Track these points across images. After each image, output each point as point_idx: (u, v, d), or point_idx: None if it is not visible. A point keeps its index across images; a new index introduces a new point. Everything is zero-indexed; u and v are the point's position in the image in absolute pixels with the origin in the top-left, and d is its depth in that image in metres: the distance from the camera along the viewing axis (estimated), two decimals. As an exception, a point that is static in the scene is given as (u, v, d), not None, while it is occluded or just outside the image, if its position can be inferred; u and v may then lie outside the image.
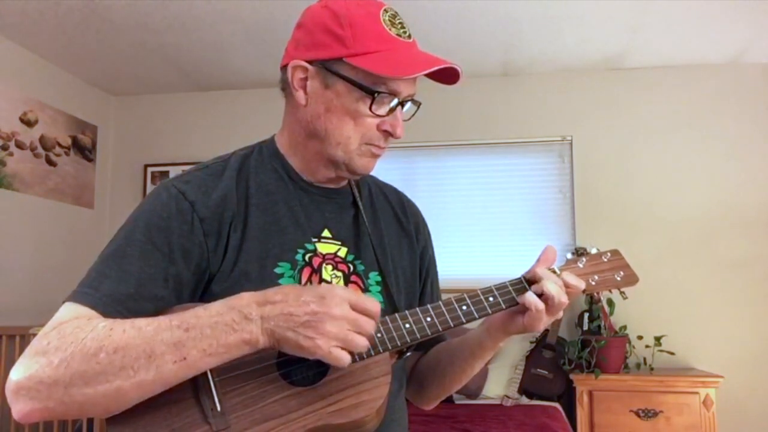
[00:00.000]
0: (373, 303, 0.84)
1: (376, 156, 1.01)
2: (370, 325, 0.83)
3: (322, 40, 0.95)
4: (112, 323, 0.81)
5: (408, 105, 1.00)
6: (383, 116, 0.96)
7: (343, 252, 1.03)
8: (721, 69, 3.67)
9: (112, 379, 0.78)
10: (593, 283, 1.01)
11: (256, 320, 0.81)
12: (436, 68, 0.93)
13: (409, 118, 1.02)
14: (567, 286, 0.96)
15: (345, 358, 0.81)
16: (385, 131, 0.97)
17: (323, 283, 0.98)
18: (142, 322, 0.81)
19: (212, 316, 0.81)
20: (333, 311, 0.80)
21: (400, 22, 0.97)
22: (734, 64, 3.66)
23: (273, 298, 0.82)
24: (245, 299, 0.83)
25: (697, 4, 2.98)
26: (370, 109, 0.94)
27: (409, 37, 0.97)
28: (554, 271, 0.98)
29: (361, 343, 0.82)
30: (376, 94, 0.93)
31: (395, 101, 0.96)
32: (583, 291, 1.00)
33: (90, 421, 2.93)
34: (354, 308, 0.82)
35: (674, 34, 3.31)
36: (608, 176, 3.70)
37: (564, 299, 0.94)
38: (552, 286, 0.94)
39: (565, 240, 3.73)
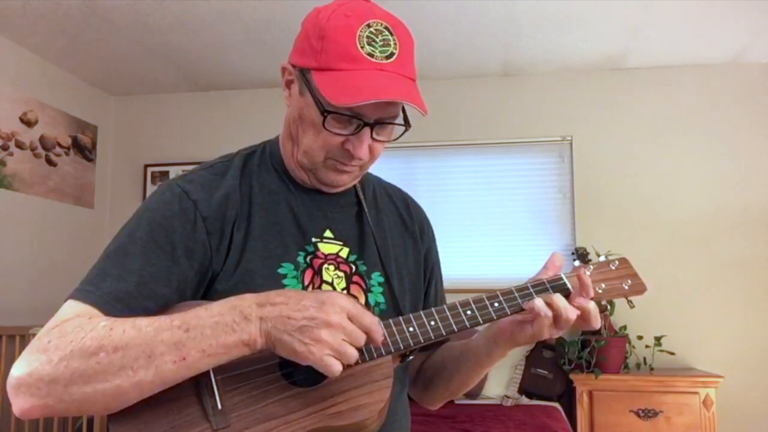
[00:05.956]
0: (371, 319, 0.84)
1: (344, 172, 0.99)
2: (361, 341, 0.83)
3: (303, 47, 0.94)
4: (113, 322, 0.81)
5: (392, 126, 0.96)
6: (347, 135, 0.94)
7: (345, 252, 1.03)
8: (721, 69, 3.67)
9: (112, 379, 0.78)
10: (600, 291, 1.00)
11: (255, 321, 0.81)
12: (374, 101, 0.87)
13: (396, 139, 0.99)
14: None
15: (336, 367, 0.80)
16: (348, 150, 0.95)
17: (326, 288, 0.97)
18: (142, 322, 0.81)
19: (213, 317, 0.81)
20: (331, 318, 0.80)
21: (384, 39, 0.91)
22: (734, 64, 3.66)
23: (274, 300, 0.82)
24: (247, 300, 0.83)
25: (697, 4, 2.99)
26: (324, 125, 0.92)
27: (389, 57, 0.91)
28: (561, 279, 0.97)
29: (353, 354, 0.81)
30: (326, 113, 0.91)
31: (360, 123, 0.92)
32: (590, 299, 0.99)
33: (90, 418, 2.93)
34: (352, 319, 0.82)
35: (674, 34, 3.31)
36: (608, 176, 3.70)
37: (572, 313, 0.93)
38: (561, 300, 0.93)
39: (565, 240, 3.73)
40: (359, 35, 0.90)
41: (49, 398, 0.78)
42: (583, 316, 0.93)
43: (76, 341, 0.79)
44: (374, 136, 0.95)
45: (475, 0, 2.95)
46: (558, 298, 0.92)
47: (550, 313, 0.92)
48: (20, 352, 0.83)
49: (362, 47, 0.90)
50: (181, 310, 0.87)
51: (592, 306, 0.93)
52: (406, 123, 0.97)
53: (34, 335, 2.90)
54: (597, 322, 0.94)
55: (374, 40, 0.91)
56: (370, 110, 0.91)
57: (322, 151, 0.96)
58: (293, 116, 0.99)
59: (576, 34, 3.32)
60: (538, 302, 0.92)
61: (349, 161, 0.97)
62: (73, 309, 0.85)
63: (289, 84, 0.99)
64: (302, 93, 0.95)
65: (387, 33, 0.92)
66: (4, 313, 3.28)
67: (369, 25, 0.91)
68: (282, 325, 0.80)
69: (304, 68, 0.94)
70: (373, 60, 0.90)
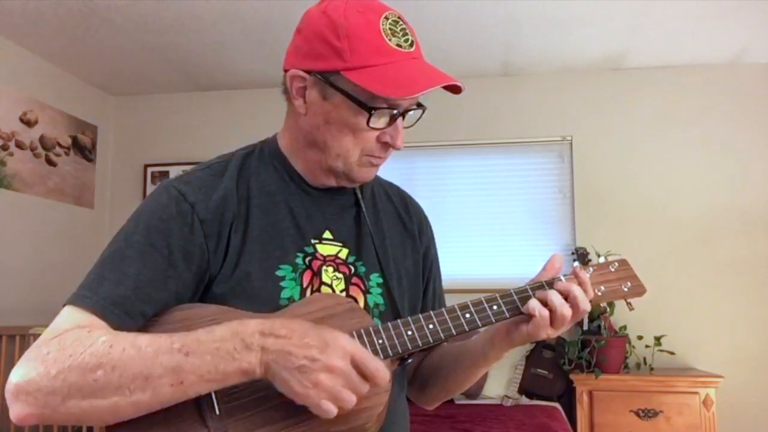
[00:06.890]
0: (377, 367, 0.81)
1: (376, 165, 1.00)
2: (362, 389, 0.81)
3: (319, 51, 0.92)
4: (113, 339, 0.81)
5: (411, 112, 0.98)
6: (383, 128, 0.95)
7: (344, 254, 1.02)
8: (721, 69, 3.66)
9: (109, 396, 0.78)
10: (599, 293, 0.99)
11: (257, 350, 0.80)
12: (435, 87, 0.90)
13: (413, 124, 1.00)
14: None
15: (332, 411, 0.79)
16: (385, 143, 0.96)
17: (325, 290, 0.97)
18: (142, 341, 0.81)
19: (215, 341, 0.80)
20: (332, 362, 0.79)
21: (402, 29, 0.93)
22: (734, 64, 3.65)
23: (278, 332, 0.81)
24: (250, 326, 0.82)
25: (697, 4, 2.98)
26: (368, 123, 0.92)
27: (412, 45, 0.93)
28: (559, 281, 0.96)
29: (351, 401, 0.80)
30: (373, 111, 0.91)
31: (395, 112, 0.94)
32: (589, 301, 0.98)
33: (90, 421, 2.93)
34: (355, 364, 0.80)
35: (674, 34, 3.31)
36: (608, 176, 3.70)
37: (568, 310, 0.93)
38: (556, 297, 0.93)
39: (565, 240, 3.73)
40: (383, 29, 0.91)
41: (45, 409, 0.78)
42: (571, 302, 0.93)
43: (75, 356, 0.78)
44: (404, 124, 0.97)
45: (475, 0, 2.95)
46: (554, 295, 0.93)
47: (546, 313, 0.92)
48: (20, 352, 0.83)
49: (390, 40, 0.91)
50: (179, 314, 0.87)
51: (575, 289, 0.93)
52: (422, 106, 0.99)
53: (33, 335, 2.91)
54: (586, 305, 0.94)
55: (396, 31, 0.93)
56: (407, 99, 0.93)
57: (358, 150, 0.96)
58: (316, 123, 0.97)
59: (576, 34, 3.31)
60: (534, 303, 0.92)
61: (384, 153, 0.98)
62: (72, 317, 0.84)
63: (301, 92, 0.97)
64: (327, 97, 0.94)
65: (402, 22, 0.94)
66: (4, 313, 3.28)
67: (387, 18, 0.93)
68: (282, 361, 0.79)
69: (325, 72, 0.92)
70: (402, 50, 0.92)
